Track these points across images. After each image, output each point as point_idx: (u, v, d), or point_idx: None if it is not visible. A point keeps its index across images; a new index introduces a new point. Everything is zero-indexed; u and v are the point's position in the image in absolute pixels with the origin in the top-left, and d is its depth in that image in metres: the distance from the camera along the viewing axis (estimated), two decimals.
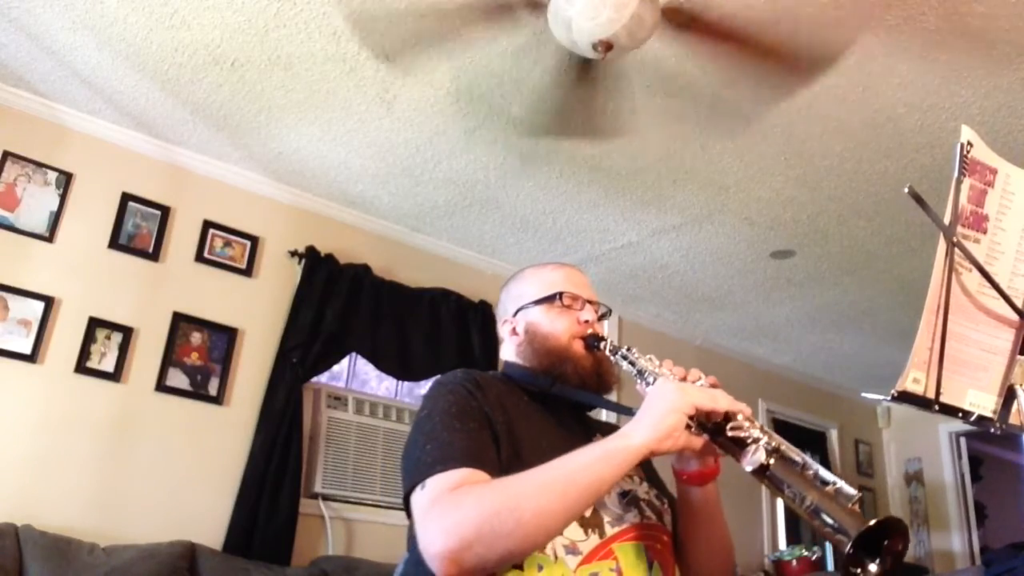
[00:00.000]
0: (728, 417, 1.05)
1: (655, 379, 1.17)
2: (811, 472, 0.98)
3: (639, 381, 1.21)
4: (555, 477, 1.01)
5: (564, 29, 2.18)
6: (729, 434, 1.04)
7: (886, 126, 2.82)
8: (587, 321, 1.35)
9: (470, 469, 1.05)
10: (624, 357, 1.27)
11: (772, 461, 0.98)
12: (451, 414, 1.14)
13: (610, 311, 1.43)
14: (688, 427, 1.05)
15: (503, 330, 1.44)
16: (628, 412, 1.32)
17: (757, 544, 4.95)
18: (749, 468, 0.99)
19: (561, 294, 1.36)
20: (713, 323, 4.85)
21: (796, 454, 1.00)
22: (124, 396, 2.95)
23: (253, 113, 2.98)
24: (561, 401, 1.32)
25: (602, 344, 1.31)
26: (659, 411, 1.05)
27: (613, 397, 1.42)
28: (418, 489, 1.07)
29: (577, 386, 1.30)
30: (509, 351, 1.41)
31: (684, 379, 1.16)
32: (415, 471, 1.09)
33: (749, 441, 1.01)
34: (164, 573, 2.53)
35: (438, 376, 1.27)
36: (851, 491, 0.93)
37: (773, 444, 1.00)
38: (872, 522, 0.87)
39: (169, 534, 2.73)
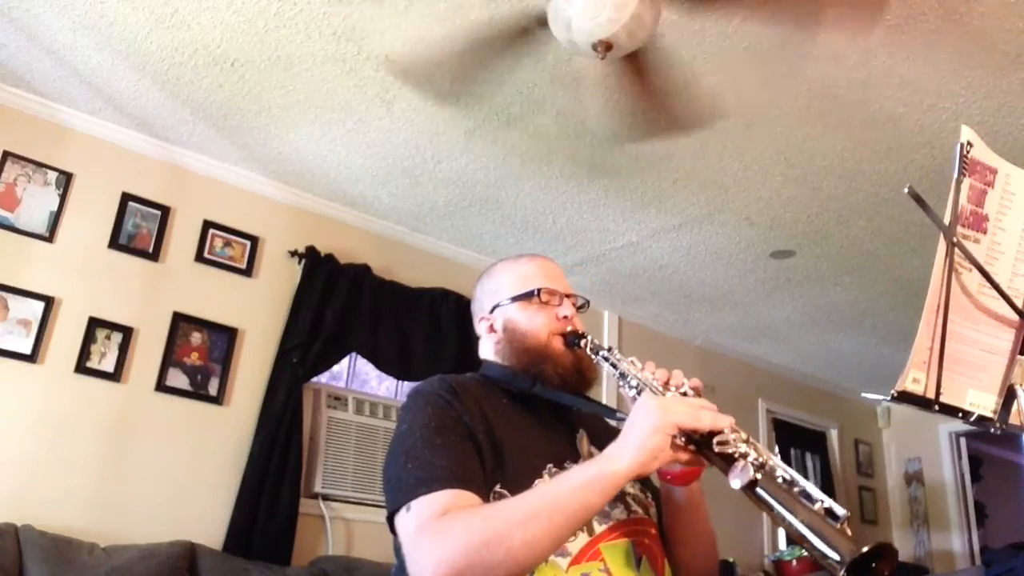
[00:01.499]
0: (713, 432, 1.03)
1: (638, 384, 1.16)
2: (798, 489, 0.95)
3: (622, 384, 1.20)
4: (543, 505, 1.01)
5: (564, 29, 2.18)
6: (716, 449, 1.02)
7: (886, 126, 2.82)
8: (566, 317, 1.34)
9: (455, 491, 1.05)
10: (605, 359, 1.25)
11: (759, 476, 0.96)
12: (431, 428, 1.13)
13: (588, 303, 1.42)
14: (673, 440, 1.04)
15: (480, 327, 1.42)
16: (611, 413, 1.31)
17: (757, 544, 4.94)
18: (736, 485, 0.97)
19: (539, 291, 1.35)
20: (713, 323, 4.85)
21: (783, 469, 0.98)
22: (124, 396, 2.95)
23: (253, 113, 2.98)
24: (542, 399, 1.31)
25: (582, 341, 1.31)
26: (642, 433, 1.03)
27: (602, 394, 1.41)
28: (403, 511, 1.06)
29: (558, 385, 1.29)
30: (487, 349, 1.40)
31: (667, 383, 1.15)
32: (398, 491, 1.08)
33: (736, 456, 0.99)
34: (164, 573, 2.53)
35: (415, 385, 1.25)
36: (840, 511, 0.91)
37: (761, 459, 0.98)
38: (864, 549, 0.86)
39: (169, 534, 2.73)
